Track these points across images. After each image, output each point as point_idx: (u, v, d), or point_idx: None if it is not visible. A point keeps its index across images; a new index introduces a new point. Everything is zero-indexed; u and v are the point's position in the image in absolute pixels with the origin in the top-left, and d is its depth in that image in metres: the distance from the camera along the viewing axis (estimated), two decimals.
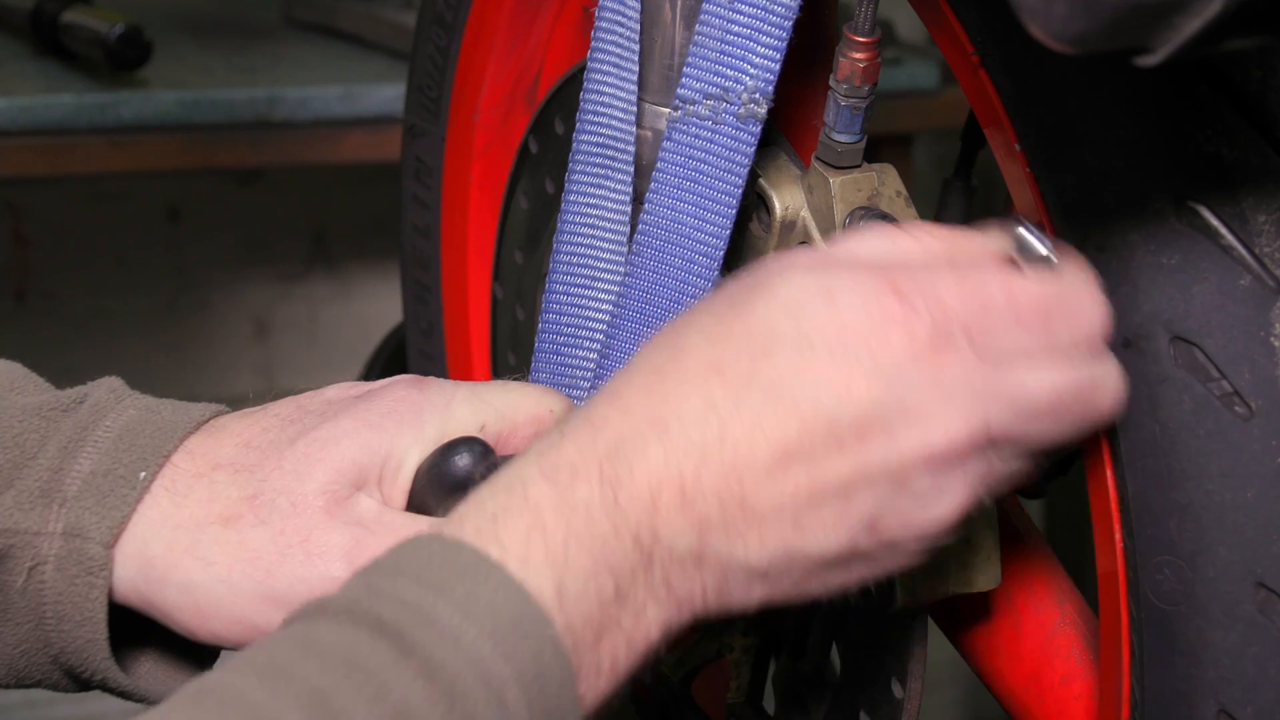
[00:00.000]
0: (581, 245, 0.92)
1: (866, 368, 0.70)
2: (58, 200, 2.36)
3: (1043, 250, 0.74)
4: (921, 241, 0.75)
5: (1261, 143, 0.77)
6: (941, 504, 0.72)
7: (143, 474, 0.83)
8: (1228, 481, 0.76)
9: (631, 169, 0.91)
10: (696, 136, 0.86)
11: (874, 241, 0.75)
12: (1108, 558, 0.81)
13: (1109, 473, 0.80)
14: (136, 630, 0.87)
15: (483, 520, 0.69)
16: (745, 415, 0.70)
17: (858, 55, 0.86)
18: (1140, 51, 0.63)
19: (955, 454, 0.71)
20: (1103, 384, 0.75)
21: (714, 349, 0.72)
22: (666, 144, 0.87)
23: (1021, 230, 0.74)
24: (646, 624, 0.70)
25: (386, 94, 1.90)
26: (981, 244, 0.75)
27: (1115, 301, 0.78)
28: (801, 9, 0.85)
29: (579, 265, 0.92)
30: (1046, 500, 2.05)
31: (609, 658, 0.69)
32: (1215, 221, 0.76)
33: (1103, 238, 0.78)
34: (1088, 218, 0.79)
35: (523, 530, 0.69)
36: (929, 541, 0.73)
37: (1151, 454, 0.77)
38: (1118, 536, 0.80)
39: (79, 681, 0.85)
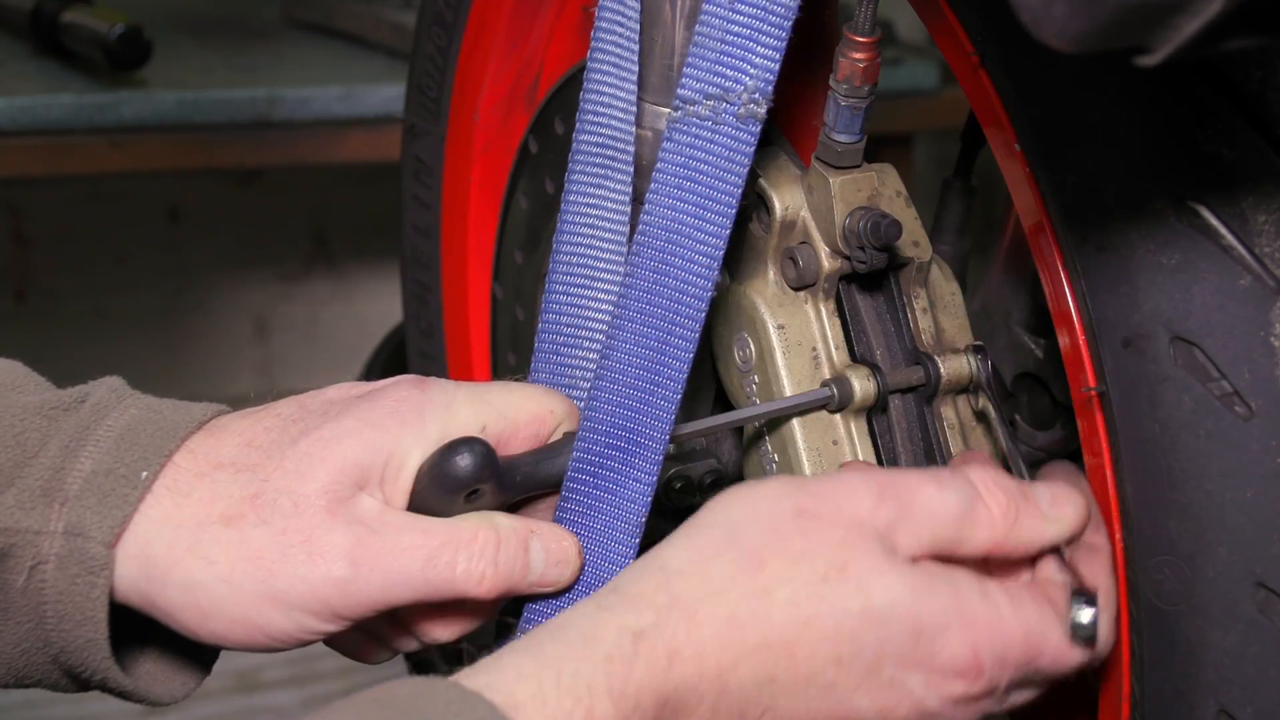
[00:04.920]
0: (581, 245, 0.92)
1: (916, 701, 0.78)
2: (58, 200, 2.36)
3: (1096, 641, 0.81)
4: (993, 522, 0.80)
5: (1261, 143, 0.77)
6: None
7: (144, 473, 0.83)
8: (1228, 481, 0.76)
9: (631, 169, 0.91)
10: (696, 137, 0.86)
11: (955, 507, 0.80)
12: None
13: (1109, 473, 0.80)
14: (137, 630, 0.87)
15: (536, 697, 0.72)
16: (795, 706, 0.77)
17: (858, 55, 0.86)
18: (1140, 51, 0.63)
19: None
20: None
21: (794, 630, 0.77)
22: (666, 144, 0.87)
23: (1082, 614, 0.81)
24: None
25: (386, 94, 1.90)
26: (1046, 533, 0.81)
27: (1115, 301, 0.78)
28: (801, 9, 0.85)
29: (579, 265, 0.92)
30: None
31: None
32: (1215, 221, 0.76)
33: (1103, 238, 0.78)
34: (1088, 218, 0.79)
35: None
36: None
37: (1151, 454, 0.78)
38: (1118, 536, 0.80)
39: (79, 681, 0.85)
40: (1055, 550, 0.81)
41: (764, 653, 0.76)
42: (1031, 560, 0.82)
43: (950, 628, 0.77)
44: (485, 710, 0.71)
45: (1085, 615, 0.79)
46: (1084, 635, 0.79)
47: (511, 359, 1.18)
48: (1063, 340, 0.82)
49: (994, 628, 0.78)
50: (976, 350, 0.91)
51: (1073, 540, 0.81)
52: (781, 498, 0.79)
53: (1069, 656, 0.80)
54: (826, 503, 0.78)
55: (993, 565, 0.81)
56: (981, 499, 0.80)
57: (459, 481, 0.83)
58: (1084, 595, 0.80)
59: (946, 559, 0.79)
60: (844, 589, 0.77)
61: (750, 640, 0.76)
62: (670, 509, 1.00)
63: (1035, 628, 0.79)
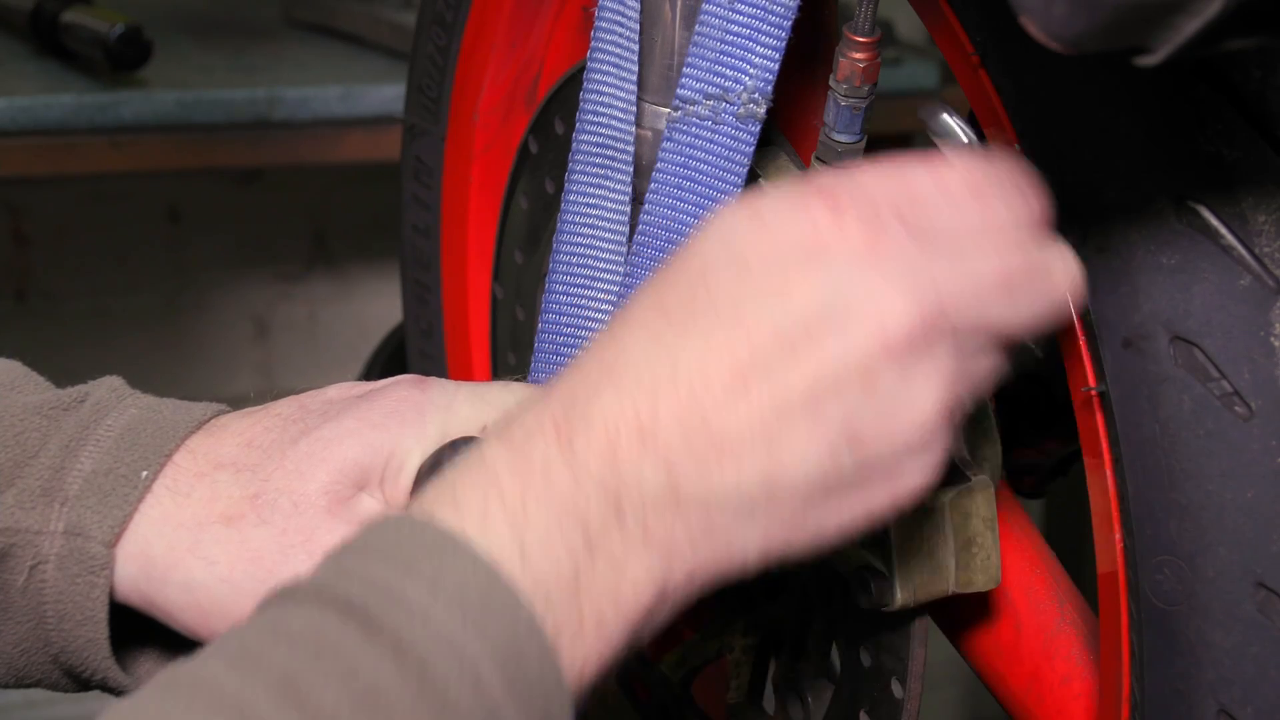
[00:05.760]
0: (581, 245, 0.92)
1: (802, 268, 0.68)
2: (58, 200, 2.36)
3: (963, 136, 0.73)
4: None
5: (1261, 143, 0.77)
6: (917, 403, 0.68)
7: (144, 473, 0.83)
8: (1228, 481, 0.76)
9: (631, 169, 0.91)
10: (696, 136, 0.86)
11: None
12: (1108, 558, 0.81)
13: (1109, 473, 0.80)
14: (137, 630, 0.87)
15: (442, 491, 0.68)
16: (692, 341, 0.68)
17: (858, 55, 0.86)
18: (1140, 51, 0.63)
19: (914, 341, 0.68)
20: (1053, 263, 0.73)
21: (657, 293, 0.71)
22: (666, 144, 0.87)
23: (944, 116, 0.74)
24: (633, 577, 0.67)
25: (386, 94, 1.90)
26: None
27: (1115, 301, 0.78)
28: (801, 9, 0.85)
29: (579, 265, 0.92)
30: (1046, 500, 2.05)
31: (593, 614, 0.67)
32: (1215, 221, 0.76)
33: (1103, 238, 0.78)
34: (1088, 218, 0.79)
35: (479, 494, 0.67)
36: (919, 455, 0.69)
37: (1151, 454, 0.78)
38: (1118, 536, 0.80)
39: (79, 681, 0.86)
40: None
41: (655, 297, 0.71)
42: None
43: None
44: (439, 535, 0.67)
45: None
46: (944, 131, 0.73)
47: (511, 359, 1.18)
48: (1063, 340, 0.82)
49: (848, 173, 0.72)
50: None
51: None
52: None
53: (932, 167, 0.71)
54: None
55: None
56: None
57: None
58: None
59: None
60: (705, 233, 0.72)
61: (640, 303, 0.72)
62: None
63: (887, 161, 0.72)
